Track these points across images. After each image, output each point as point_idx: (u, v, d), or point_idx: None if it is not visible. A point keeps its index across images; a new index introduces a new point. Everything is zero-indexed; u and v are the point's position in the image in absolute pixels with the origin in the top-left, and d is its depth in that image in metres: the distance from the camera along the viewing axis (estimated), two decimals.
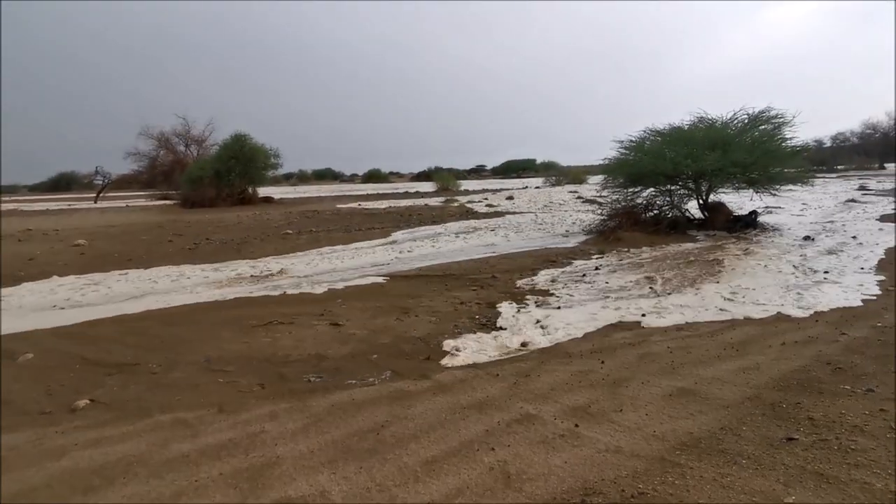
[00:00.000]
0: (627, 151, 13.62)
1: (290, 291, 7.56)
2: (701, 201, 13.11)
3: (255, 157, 29.11)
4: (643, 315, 5.67)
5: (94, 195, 39.33)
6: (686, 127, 12.89)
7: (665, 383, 3.69)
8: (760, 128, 12.57)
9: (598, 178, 47.26)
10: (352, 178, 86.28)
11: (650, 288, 7.00)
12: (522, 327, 5.43)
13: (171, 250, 12.34)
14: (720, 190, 13.29)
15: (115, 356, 4.94)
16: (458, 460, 2.76)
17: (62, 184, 59.85)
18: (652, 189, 13.62)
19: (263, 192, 32.18)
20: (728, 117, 12.63)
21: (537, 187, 42.70)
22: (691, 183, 12.92)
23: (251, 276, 8.96)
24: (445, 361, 4.49)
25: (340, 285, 7.83)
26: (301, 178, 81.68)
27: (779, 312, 5.56)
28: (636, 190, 13.75)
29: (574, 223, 15.63)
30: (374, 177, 76.63)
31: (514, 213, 20.42)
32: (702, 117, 12.94)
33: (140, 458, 3.00)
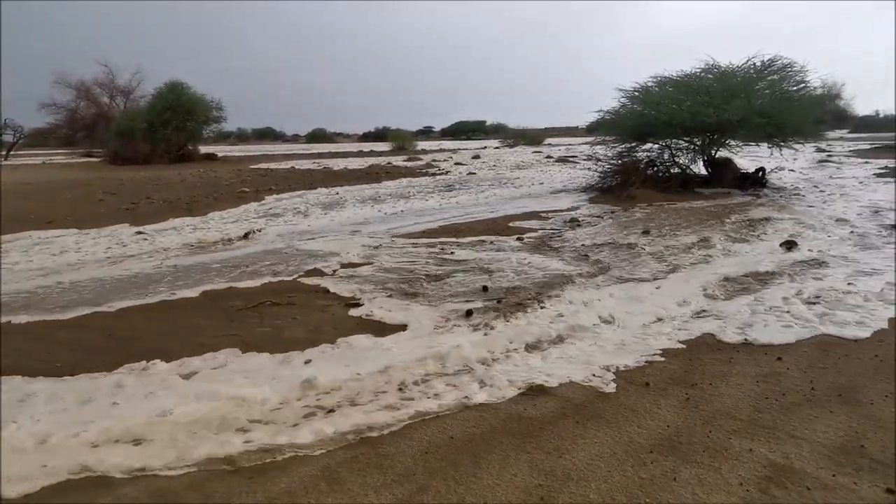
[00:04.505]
0: (629, 102, 12.39)
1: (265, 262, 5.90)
2: (706, 158, 12.16)
3: (194, 109, 25.94)
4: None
5: (4, 152, 34.53)
6: (698, 74, 11.74)
7: None
8: (768, 78, 11.65)
9: (558, 140, 46.37)
10: (294, 138, 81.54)
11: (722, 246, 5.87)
12: (604, 308, 4.13)
13: (103, 210, 10.17)
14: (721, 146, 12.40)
15: (37, 362, 3.25)
16: None
17: None
18: (650, 145, 12.58)
19: (205, 149, 29.01)
20: (740, 64, 11.57)
21: (496, 148, 41.28)
22: (697, 138, 11.92)
23: (214, 240, 7.17)
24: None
25: (324, 248, 6.24)
26: (240, 137, 76.29)
27: None
28: (633, 145, 12.64)
29: (561, 181, 14.45)
30: (318, 137, 72.45)
31: (489, 171, 19.02)
32: (711, 65, 11.83)
33: None
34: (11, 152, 34.00)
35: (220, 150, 33.58)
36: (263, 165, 22.75)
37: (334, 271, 5.31)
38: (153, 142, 24.77)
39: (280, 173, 18.69)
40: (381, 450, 2.25)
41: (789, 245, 5.74)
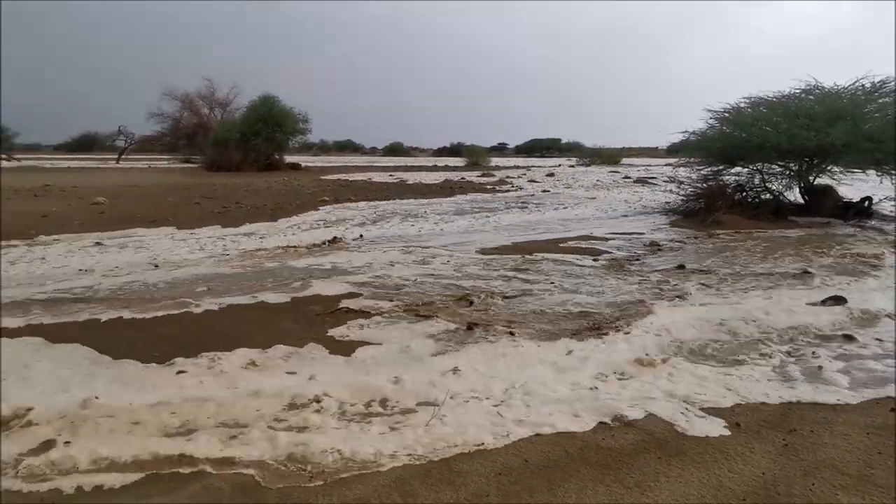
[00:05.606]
0: (718, 123, 11.82)
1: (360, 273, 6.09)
2: (803, 184, 11.33)
3: (283, 121, 27.58)
4: None
5: (117, 155, 38.24)
6: (797, 94, 11.01)
7: None
8: (879, 101, 10.71)
9: (635, 160, 45.14)
10: (372, 151, 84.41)
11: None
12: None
13: (198, 213, 10.99)
14: (821, 172, 11.48)
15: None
16: None
17: (85, 144, 58.67)
18: (739, 168, 11.91)
19: (289, 159, 30.73)
20: (846, 85, 10.74)
21: (571, 166, 40.65)
22: (794, 162, 11.14)
23: (299, 245, 7.51)
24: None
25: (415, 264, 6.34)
26: (322, 148, 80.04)
27: None
28: (719, 168, 12.02)
29: (640, 203, 13.93)
30: (395, 150, 74.60)
31: (563, 189, 18.72)
32: (812, 85, 11.05)
33: None
34: (123, 156, 37.62)
35: (303, 159, 35.38)
36: (343, 176, 23.71)
37: (410, 281, 5.40)
38: (245, 151, 26.51)
39: (358, 184, 19.41)
40: (454, 467, 2.24)
41: (837, 301, 4.62)
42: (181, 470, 2.24)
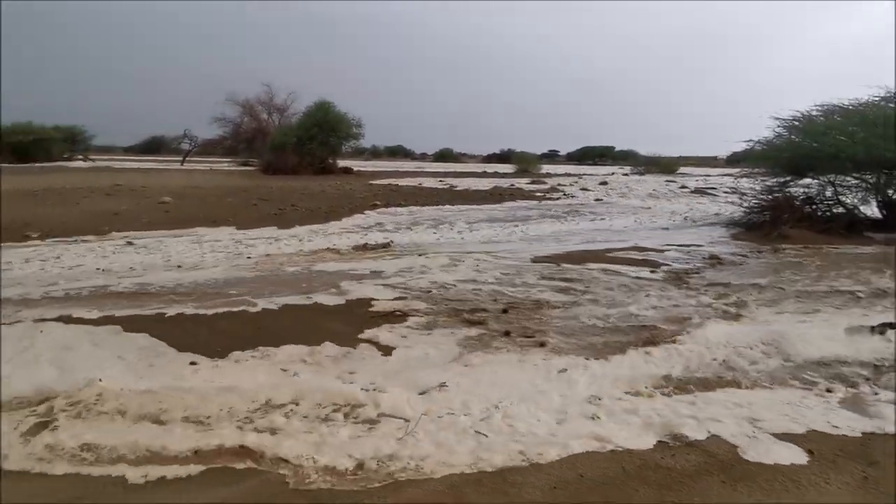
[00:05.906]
0: (786, 132, 11.24)
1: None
2: (880, 198, 10.60)
3: (337, 126, 28.29)
4: None
5: (181, 158, 40.27)
6: (876, 101, 10.32)
7: None
8: None
9: (693, 169, 43.41)
10: (422, 157, 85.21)
11: None
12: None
13: (255, 215, 11.40)
14: None
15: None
16: None
17: (153, 146, 62.24)
18: (809, 180, 11.26)
19: (342, 163, 31.43)
20: None
21: (625, 174, 39.63)
22: (871, 174, 10.44)
23: (350, 247, 7.65)
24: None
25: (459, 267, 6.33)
26: (374, 153, 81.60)
27: None
28: (786, 179, 11.41)
29: (699, 214, 13.40)
30: (444, 156, 75.04)
31: (618, 198, 18.27)
32: (894, 93, 10.32)
33: None
34: (187, 157, 39.61)
35: (355, 164, 36.05)
36: (393, 181, 24.02)
37: (456, 288, 5.39)
38: (300, 155, 27.33)
39: (407, 189, 19.62)
40: (508, 477, 2.20)
41: (883, 329, 4.15)
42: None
